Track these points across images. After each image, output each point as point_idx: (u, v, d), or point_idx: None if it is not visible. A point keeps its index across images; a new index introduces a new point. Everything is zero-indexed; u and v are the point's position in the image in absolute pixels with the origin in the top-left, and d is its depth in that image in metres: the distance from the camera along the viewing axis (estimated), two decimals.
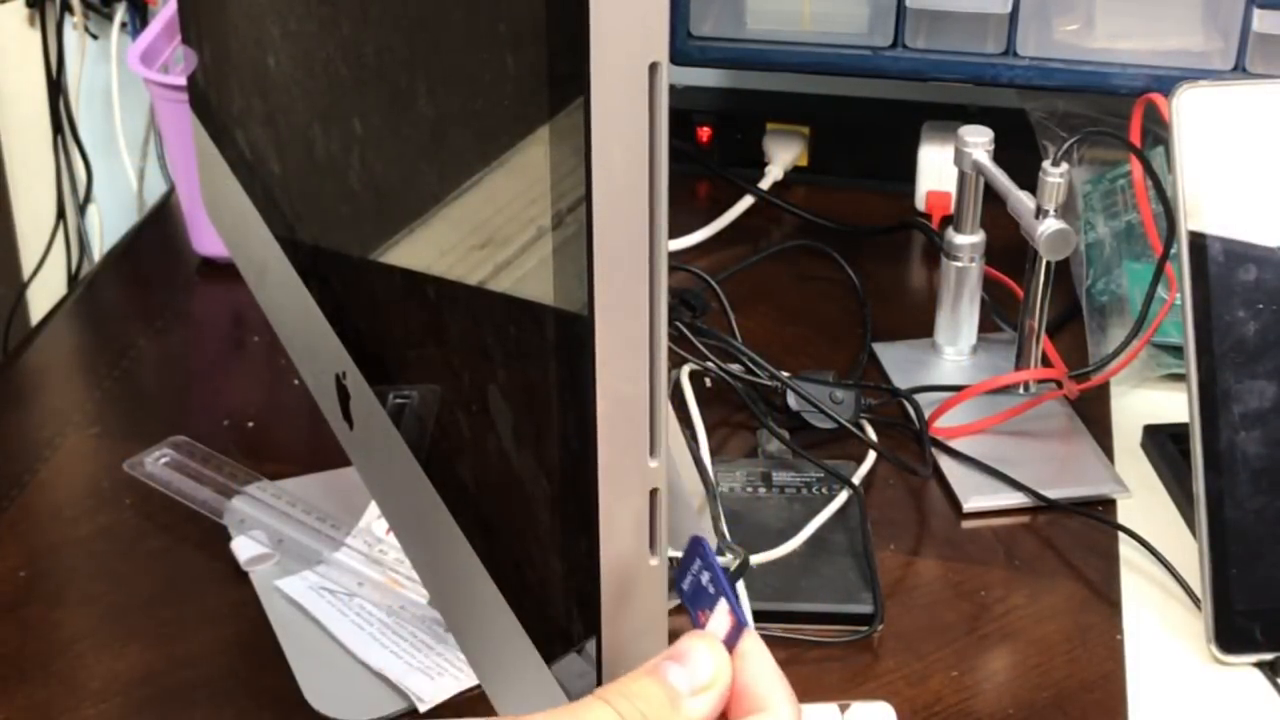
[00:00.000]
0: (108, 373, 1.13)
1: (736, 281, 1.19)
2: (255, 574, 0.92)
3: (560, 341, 0.50)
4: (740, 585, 0.55)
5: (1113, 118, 1.16)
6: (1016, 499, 0.99)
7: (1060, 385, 1.03)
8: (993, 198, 1.03)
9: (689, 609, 0.51)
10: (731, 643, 0.50)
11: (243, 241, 0.89)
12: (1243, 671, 0.87)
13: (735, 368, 1.06)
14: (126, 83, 1.63)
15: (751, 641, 0.50)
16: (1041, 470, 1.00)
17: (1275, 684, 0.86)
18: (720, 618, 0.50)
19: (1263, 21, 1.12)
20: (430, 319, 0.62)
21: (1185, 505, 0.97)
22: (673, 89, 0.46)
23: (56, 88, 1.65)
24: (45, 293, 1.71)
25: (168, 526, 0.96)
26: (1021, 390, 1.05)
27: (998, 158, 1.04)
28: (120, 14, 1.61)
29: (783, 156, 1.34)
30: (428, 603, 0.87)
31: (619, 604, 0.51)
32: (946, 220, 1.19)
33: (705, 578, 0.50)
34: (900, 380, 1.09)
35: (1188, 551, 0.91)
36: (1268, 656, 0.87)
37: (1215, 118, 0.88)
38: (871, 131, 1.35)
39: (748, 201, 1.31)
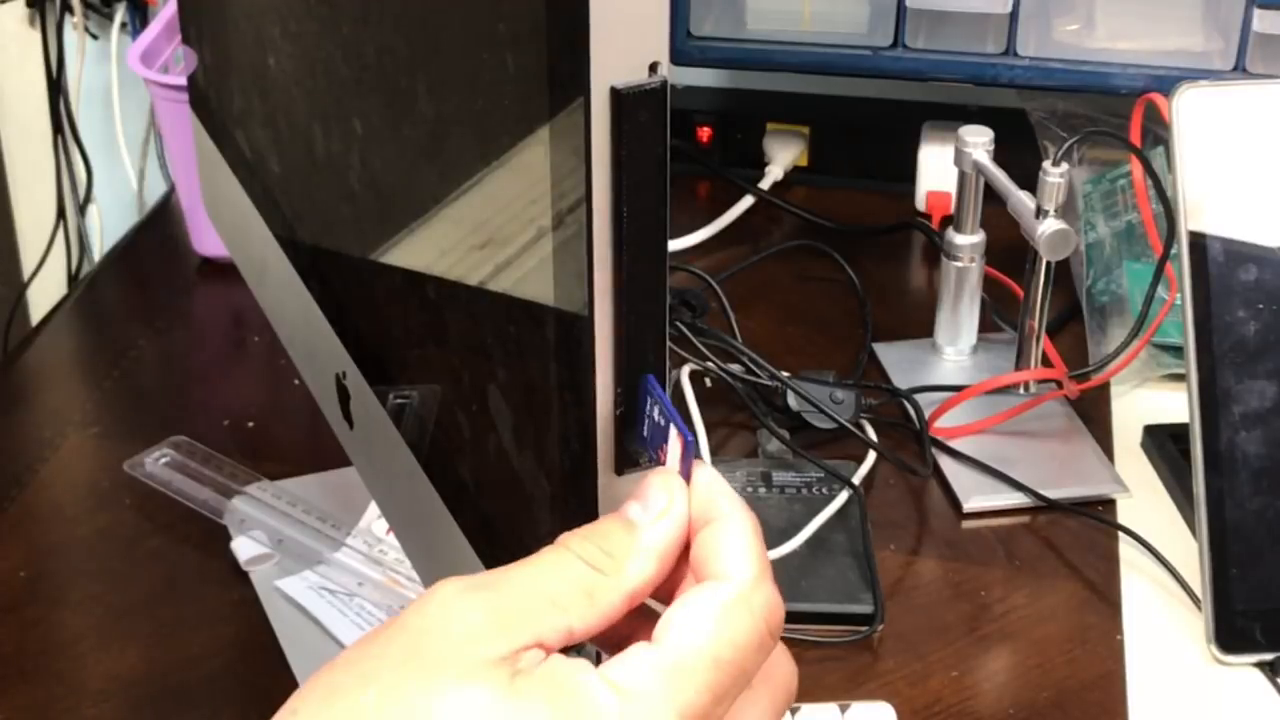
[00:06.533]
0: (108, 373, 1.13)
1: (736, 281, 1.19)
2: (255, 574, 0.92)
3: (560, 341, 0.50)
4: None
5: (1113, 118, 1.16)
6: (1016, 499, 0.99)
7: (1060, 385, 1.03)
8: (993, 198, 1.03)
9: (649, 453, 0.51)
10: (687, 470, 0.50)
11: (243, 241, 0.89)
12: (1243, 671, 0.87)
13: (735, 368, 1.06)
14: (126, 83, 1.63)
15: (702, 466, 0.50)
16: (1041, 470, 1.00)
17: (1275, 684, 0.86)
18: (672, 446, 0.50)
19: (1263, 21, 1.12)
20: (430, 319, 0.62)
21: (1185, 505, 0.97)
22: (673, 89, 0.46)
23: (56, 88, 1.65)
24: (45, 293, 1.71)
25: (168, 526, 0.96)
26: (1021, 390, 1.04)
27: (998, 158, 1.04)
28: (120, 14, 1.61)
29: (783, 156, 1.34)
30: None
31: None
32: (946, 220, 1.19)
33: (656, 412, 0.50)
34: (900, 380, 1.09)
35: (1188, 551, 0.91)
36: (1268, 656, 0.87)
37: (1215, 118, 0.88)
38: (871, 131, 1.35)
39: (748, 201, 1.31)
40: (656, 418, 0.50)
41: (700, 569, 0.49)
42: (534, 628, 0.46)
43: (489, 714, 0.44)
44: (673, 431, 0.50)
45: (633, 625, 0.49)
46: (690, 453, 0.50)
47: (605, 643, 0.49)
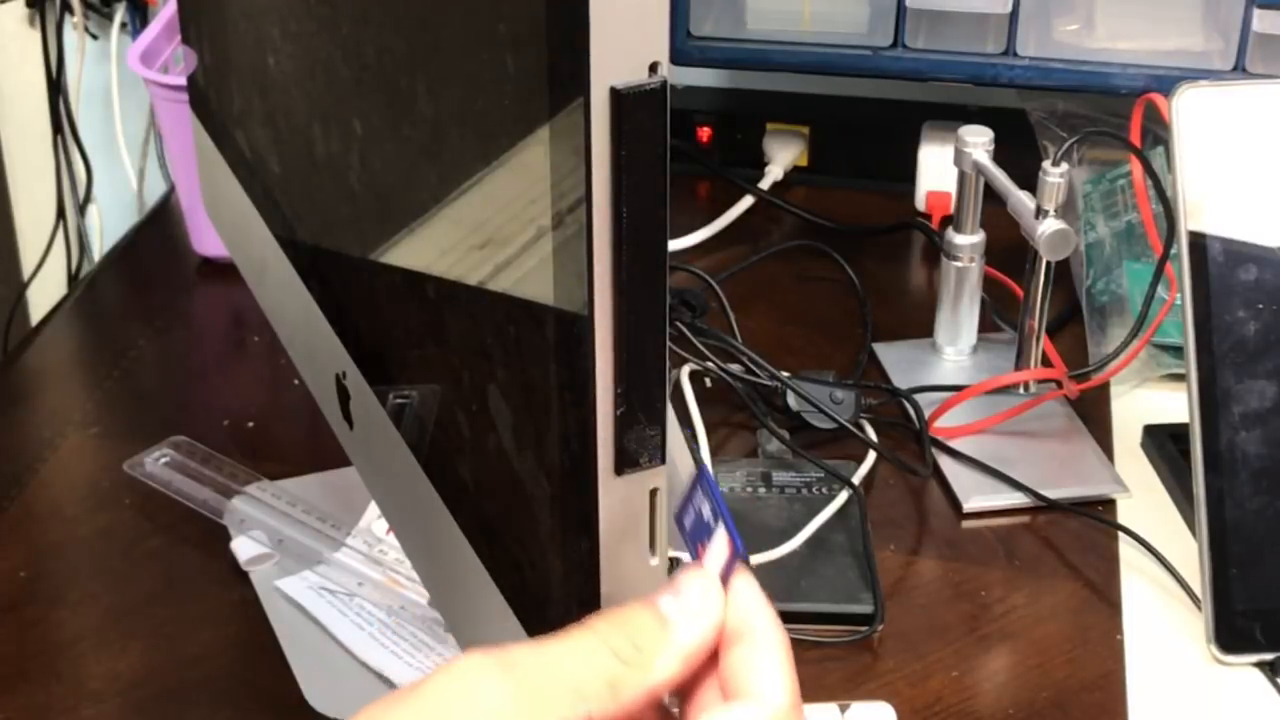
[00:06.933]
0: (108, 373, 1.13)
1: (736, 281, 1.19)
2: (255, 574, 0.92)
3: (560, 341, 0.50)
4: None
5: (1113, 118, 1.16)
6: (1016, 499, 0.99)
7: (1060, 385, 1.03)
8: (993, 198, 1.03)
9: (688, 545, 0.51)
10: (728, 575, 0.50)
11: (243, 241, 0.89)
12: (1243, 671, 0.87)
13: (735, 368, 1.06)
14: (126, 83, 1.63)
15: (743, 575, 0.50)
16: (1041, 470, 1.00)
17: (1275, 684, 0.86)
18: (718, 547, 0.50)
19: (1263, 21, 1.12)
20: (430, 319, 0.62)
21: (1185, 505, 0.97)
22: (673, 89, 0.46)
23: (56, 88, 1.65)
24: (45, 293, 1.71)
25: (168, 526, 0.96)
26: (1021, 390, 1.04)
27: (998, 158, 1.04)
28: (120, 14, 1.61)
29: (783, 156, 1.34)
30: (428, 603, 0.87)
31: (619, 604, 0.51)
32: (946, 220, 1.19)
33: (706, 509, 0.50)
34: (900, 380, 1.09)
35: (1188, 551, 0.91)
36: (1268, 656, 0.87)
37: (1215, 118, 0.88)
38: (871, 131, 1.35)
39: (748, 201, 1.31)
40: (705, 514, 0.50)
41: (732, 684, 0.49)
42: (556, 716, 0.46)
43: None
44: (722, 535, 0.49)
45: (646, 718, 0.49)
46: (734, 561, 0.49)
47: None
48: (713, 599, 0.49)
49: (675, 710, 0.49)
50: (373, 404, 0.69)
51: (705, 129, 1.36)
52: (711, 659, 0.50)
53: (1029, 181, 0.99)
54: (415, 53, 0.58)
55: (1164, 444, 1.02)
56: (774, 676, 0.48)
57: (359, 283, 0.70)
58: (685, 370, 1.06)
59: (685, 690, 0.50)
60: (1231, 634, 0.87)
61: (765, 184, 1.33)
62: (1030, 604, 0.91)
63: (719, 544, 0.50)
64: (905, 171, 1.28)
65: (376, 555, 0.91)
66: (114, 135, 1.65)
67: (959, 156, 1.05)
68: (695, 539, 0.50)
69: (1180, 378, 1.03)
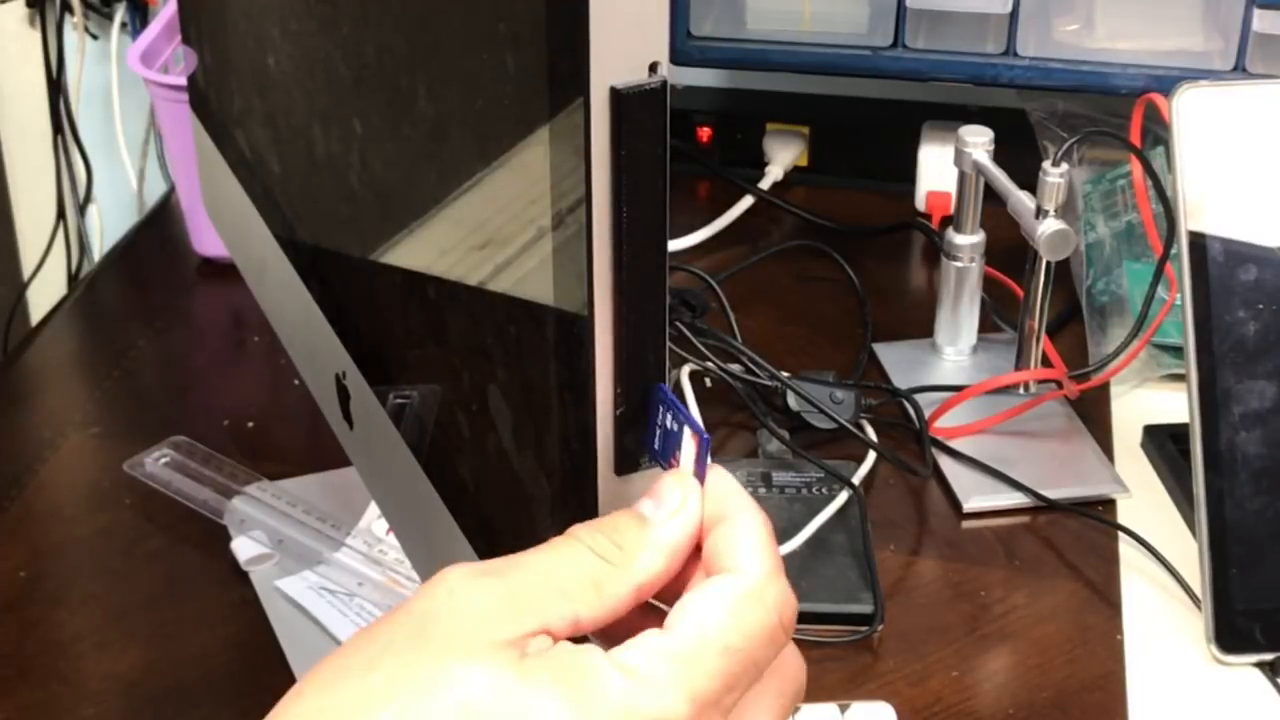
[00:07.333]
0: (108, 373, 1.13)
1: (736, 281, 1.19)
2: (255, 574, 0.92)
3: (560, 341, 0.50)
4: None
5: (1113, 118, 1.16)
6: (1016, 499, 0.99)
7: (1060, 385, 1.03)
8: (993, 198, 1.03)
9: (660, 463, 0.51)
10: (701, 469, 0.50)
11: (243, 241, 0.89)
12: (1243, 671, 0.87)
13: (735, 368, 1.06)
14: (126, 83, 1.63)
15: (716, 469, 0.50)
16: (1041, 470, 1.00)
17: (1275, 684, 0.86)
18: (687, 446, 0.50)
19: (1263, 21, 1.12)
20: (430, 319, 0.62)
21: (1185, 505, 0.97)
22: (673, 89, 0.46)
23: (56, 88, 1.65)
24: (45, 293, 1.71)
25: (168, 526, 0.96)
26: (1021, 390, 1.04)
27: (998, 158, 1.04)
28: (120, 14, 1.61)
29: (783, 156, 1.34)
30: None
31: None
32: (946, 220, 1.19)
33: (669, 419, 0.50)
34: (900, 380, 1.09)
35: (1188, 551, 0.91)
36: (1268, 656, 0.87)
37: (1215, 118, 0.88)
38: (871, 131, 1.35)
39: (748, 201, 1.31)
40: (669, 424, 0.50)
41: (713, 564, 0.49)
42: (541, 614, 0.46)
43: (498, 694, 0.44)
44: (687, 432, 0.50)
45: (638, 622, 0.49)
46: (705, 453, 0.50)
47: (609, 637, 0.49)
48: (690, 493, 0.50)
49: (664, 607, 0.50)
50: (373, 404, 0.69)
51: (705, 129, 1.36)
52: (695, 557, 0.50)
53: (1029, 181, 0.99)
54: (415, 52, 0.58)
55: (1164, 444, 1.02)
56: (752, 550, 0.49)
57: (359, 283, 0.70)
58: (685, 370, 1.06)
59: (672, 590, 0.50)
60: (1231, 634, 0.87)
61: (765, 184, 1.33)
62: (1030, 604, 0.91)
63: (687, 443, 0.50)
64: (905, 171, 1.28)
65: (376, 555, 0.91)
66: (114, 135, 1.65)
67: (959, 156, 1.05)
68: (665, 455, 0.50)
69: (1180, 378, 1.03)
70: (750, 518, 0.50)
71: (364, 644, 0.47)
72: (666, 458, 0.50)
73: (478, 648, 0.45)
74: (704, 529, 0.50)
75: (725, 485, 0.50)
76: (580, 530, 0.49)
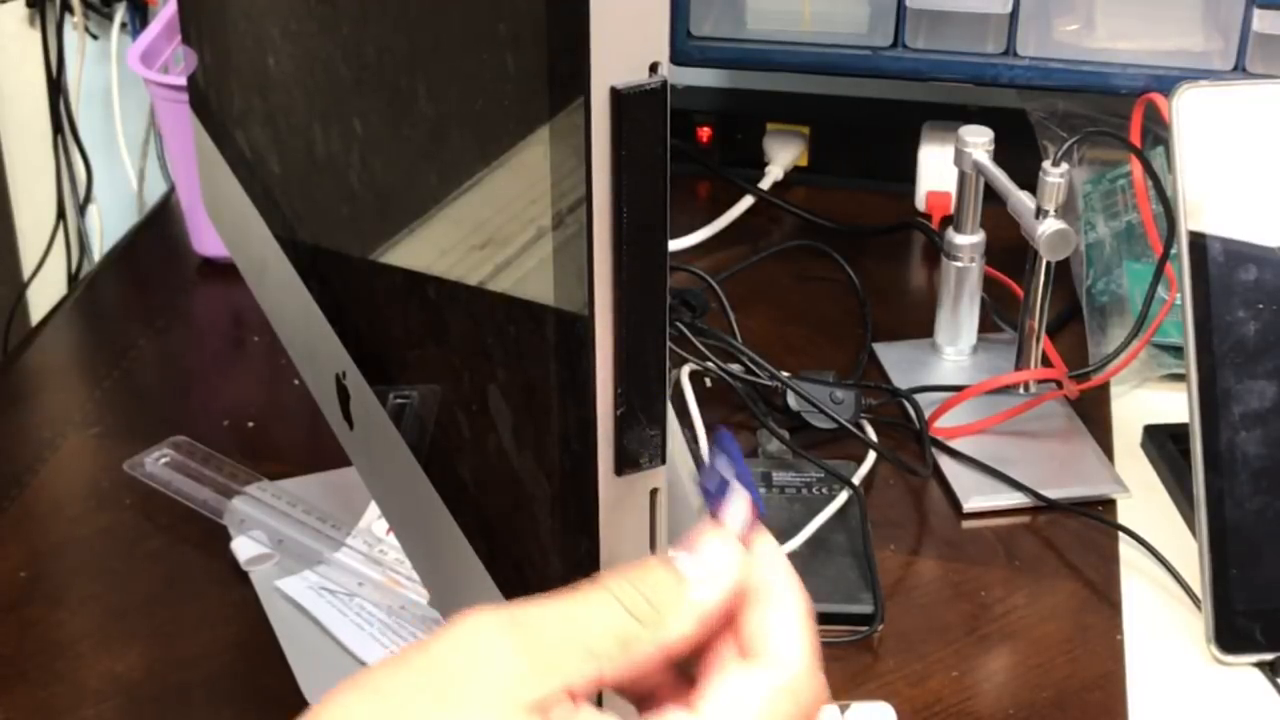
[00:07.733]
0: (108, 373, 1.13)
1: (736, 281, 1.19)
2: (255, 574, 0.92)
3: (560, 341, 0.50)
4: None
5: (1113, 118, 1.16)
6: (1016, 499, 0.99)
7: (1060, 385, 1.03)
8: (993, 198, 1.03)
9: (708, 505, 0.50)
10: (748, 535, 0.49)
11: (243, 241, 0.89)
12: (1243, 671, 0.87)
13: (735, 368, 1.06)
14: (126, 83, 1.63)
15: (764, 536, 0.49)
16: (1041, 470, 1.00)
17: (1275, 684, 0.86)
18: (738, 507, 0.49)
19: (1263, 21, 1.12)
20: (430, 319, 0.62)
21: (1185, 505, 0.97)
22: (673, 89, 0.46)
23: (56, 88, 1.65)
24: (45, 293, 1.71)
25: (168, 526, 0.96)
26: (1021, 390, 1.04)
27: (998, 158, 1.04)
28: (120, 14, 1.61)
29: (783, 156, 1.34)
30: (428, 603, 0.87)
31: None
32: (946, 220, 1.19)
33: (724, 468, 0.49)
34: (900, 380, 1.09)
35: (1188, 551, 0.91)
36: (1268, 656, 0.87)
37: (1215, 118, 0.88)
38: (871, 131, 1.35)
39: (748, 201, 1.31)
40: (724, 474, 0.49)
41: (749, 646, 0.48)
42: (566, 675, 0.45)
43: None
44: (742, 495, 0.49)
45: (658, 678, 0.48)
46: (755, 522, 0.49)
47: (628, 691, 0.49)
48: (731, 558, 0.48)
49: (691, 672, 0.49)
50: (373, 404, 0.69)
51: (705, 129, 1.36)
52: (729, 620, 0.48)
53: (1029, 181, 0.99)
54: (415, 53, 0.58)
55: (1164, 444, 1.02)
56: (793, 638, 0.48)
57: (359, 283, 0.70)
58: (685, 370, 1.06)
59: (701, 652, 0.48)
60: (1231, 634, 0.87)
61: (765, 184, 1.33)
62: (1030, 604, 0.91)
63: (739, 503, 0.49)
64: (905, 171, 1.28)
65: (376, 555, 0.91)
66: (114, 135, 1.65)
67: (959, 156, 1.05)
68: (714, 499, 0.50)
69: (1180, 378, 1.03)
70: (793, 600, 0.48)
71: (379, 685, 0.45)
72: (713, 503, 0.49)
73: (499, 712, 0.44)
74: (742, 600, 0.48)
75: (771, 557, 0.49)
76: (613, 582, 0.47)
